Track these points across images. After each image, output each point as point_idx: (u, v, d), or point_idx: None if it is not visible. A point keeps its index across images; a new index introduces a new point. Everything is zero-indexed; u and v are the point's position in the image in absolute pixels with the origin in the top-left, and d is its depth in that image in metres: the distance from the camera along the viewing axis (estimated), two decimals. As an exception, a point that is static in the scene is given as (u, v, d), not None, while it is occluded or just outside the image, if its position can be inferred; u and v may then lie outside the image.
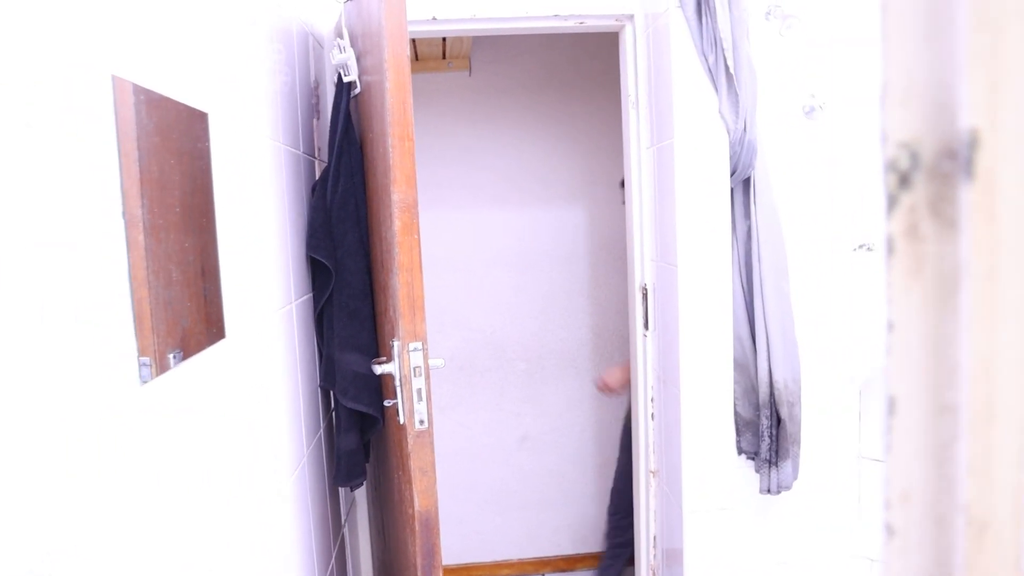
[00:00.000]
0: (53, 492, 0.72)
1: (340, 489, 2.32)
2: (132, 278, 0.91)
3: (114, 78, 0.88)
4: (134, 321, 0.92)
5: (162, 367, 1.00)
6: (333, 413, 2.23)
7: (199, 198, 1.16)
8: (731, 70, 2.14)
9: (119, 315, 0.88)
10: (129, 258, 0.91)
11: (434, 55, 3.39)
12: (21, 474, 0.68)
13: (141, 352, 0.93)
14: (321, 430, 2.08)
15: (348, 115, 1.98)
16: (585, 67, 3.49)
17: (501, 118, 3.50)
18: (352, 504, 2.53)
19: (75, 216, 0.79)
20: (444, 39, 3.15)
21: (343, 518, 2.36)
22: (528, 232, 3.50)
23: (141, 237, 0.94)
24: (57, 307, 0.74)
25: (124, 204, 0.90)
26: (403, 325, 1.57)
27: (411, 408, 1.60)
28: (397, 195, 1.55)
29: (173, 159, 1.06)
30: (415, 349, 1.58)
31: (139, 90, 0.95)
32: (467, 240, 3.48)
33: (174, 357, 1.05)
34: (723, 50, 2.13)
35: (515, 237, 3.50)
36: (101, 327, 0.84)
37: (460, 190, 3.48)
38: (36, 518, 0.70)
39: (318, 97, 2.34)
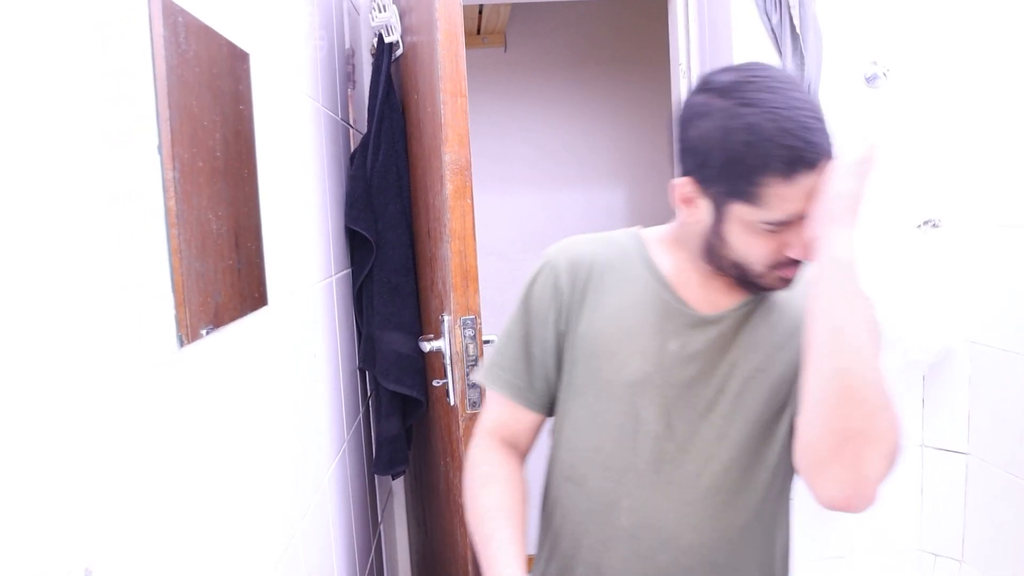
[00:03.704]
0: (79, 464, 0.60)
1: (377, 477, 2.21)
2: (169, 228, 0.79)
3: (149, -12, 0.75)
4: (171, 278, 0.79)
5: (194, 336, 0.88)
6: (371, 398, 2.11)
7: (240, 146, 1.04)
8: (797, 30, 1.99)
9: (153, 274, 0.76)
10: (166, 205, 0.79)
11: (469, 30, 3.26)
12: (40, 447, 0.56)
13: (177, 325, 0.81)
14: (360, 415, 1.96)
15: (389, 79, 1.86)
16: (626, 39, 3.35)
17: (537, 95, 3.36)
18: (389, 493, 2.41)
19: (98, 155, 0.67)
20: (480, 12, 3.02)
21: (380, 508, 2.24)
22: (566, 213, 3.36)
23: (172, 179, 0.81)
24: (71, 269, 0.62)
25: (160, 140, 0.78)
26: (455, 298, 1.44)
27: (463, 388, 1.48)
28: (449, 155, 1.43)
29: (211, 99, 0.93)
30: (468, 324, 1.46)
31: (176, 9, 0.82)
32: (502, 222, 3.35)
33: (206, 330, 0.93)
34: (788, 8, 1.98)
35: (552, 219, 3.37)
36: (131, 289, 0.72)
37: (494, 170, 3.36)
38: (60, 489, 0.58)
39: (353, 65, 2.22)
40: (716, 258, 1.02)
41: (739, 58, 2.04)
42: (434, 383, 1.66)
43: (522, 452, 1.18)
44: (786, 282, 1.01)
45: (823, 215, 0.91)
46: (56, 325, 0.58)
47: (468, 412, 1.47)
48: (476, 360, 1.47)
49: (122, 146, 0.70)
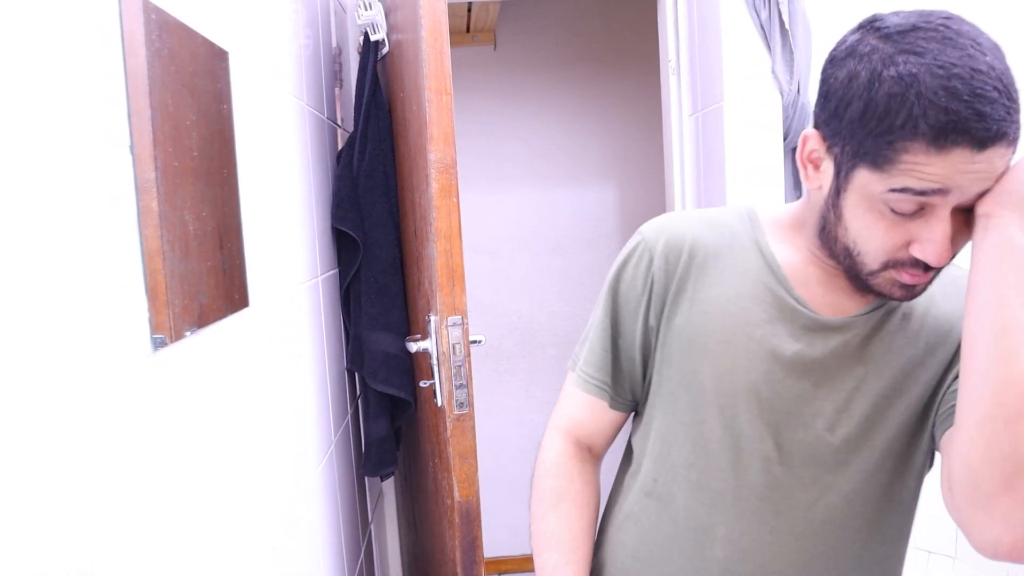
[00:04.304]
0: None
1: (366, 479, 2.19)
2: (143, 230, 0.77)
3: (119, -15, 0.74)
4: (144, 269, 0.78)
5: (177, 337, 0.86)
6: (359, 399, 2.10)
7: (220, 145, 1.03)
8: (786, 25, 1.98)
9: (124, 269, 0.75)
10: (138, 206, 0.77)
11: (458, 28, 3.24)
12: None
13: (155, 329, 0.79)
14: (348, 416, 1.94)
15: (375, 77, 1.84)
16: (617, 36, 3.33)
17: (528, 94, 3.35)
18: (380, 494, 2.40)
19: (62, 154, 0.65)
20: (469, 9, 3.01)
21: (370, 510, 2.23)
22: (556, 212, 3.35)
23: (153, 179, 0.80)
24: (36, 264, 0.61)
25: (132, 139, 0.76)
26: (441, 297, 1.43)
27: (450, 389, 1.46)
28: (434, 154, 1.41)
29: (190, 98, 0.92)
30: (454, 324, 1.44)
31: (149, 7, 0.81)
32: (493, 221, 3.33)
33: (190, 332, 0.91)
34: (777, 4, 1.97)
35: (543, 217, 3.35)
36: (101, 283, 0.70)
37: (485, 169, 3.34)
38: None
39: (340, 65, 2.20)
40: (829, 240, 0.84)
41: (728, 54, 2.03)
42: (421, 384, 1.65)
43: (598, 454, 1.07)
44: (905, 291, 0.82)
45: (1005, 195, 0.72)
46: (19, 330, 0.57)
47: (455, 413, 1.46)
48: (463, 360, 1.45)
49: (93, 146, 0.68)
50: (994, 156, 0.71)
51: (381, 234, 1.80)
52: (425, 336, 1.55)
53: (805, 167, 0.85)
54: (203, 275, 0.94)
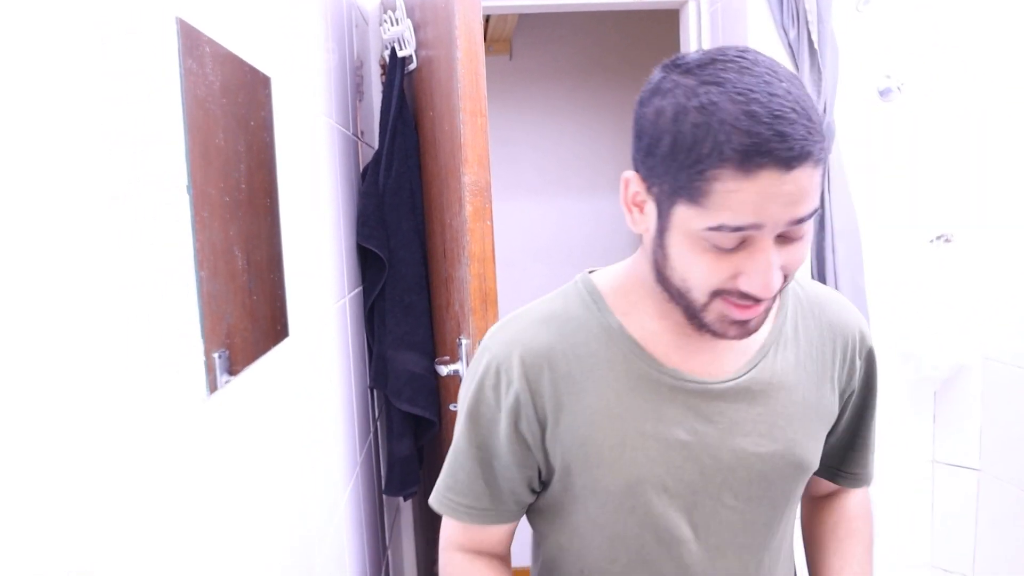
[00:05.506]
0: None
1: (384, 496, 2.17)
2: (200, 272, 0.76)
3: (179, 21, 0.72)
4: (201, 322, 0.76)
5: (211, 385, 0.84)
6: (377, 419, 2.08)
7: (262, 175, 1.01)
8: (815, 45, 1.97)
9: (181, 319, 0.73)
10: (195, 247, 0.75)
11: (474, 37, 3.22)
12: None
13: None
14: (371, 436, 1.92)
15: (402, 93, 1.82)
16: (634, 49, 3.32)
17: (543, 104, 3.33)
18: (397, 511, 2.38)
19: (127, 196, 0.63)
20: (488, 19, 2.99)
21: (388, 527, 2.21)
22: (572, 222, 3.33)
23: (207, 219, 0.78)
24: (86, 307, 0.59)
25: (189, 179, 0.74)
26: (474, 321, 1.41)
27: (481, 413, 1.44)
28: (469, 177, 1.40)
29: (237, 127, 0.90)
30: (487, 348, 1.42)
31: (204, 40, 0.79)
32: (507, 231, 3.32)
33: (226, 375, 0.89)
34: (807, 23, 1.96)
35: (557, 229, 3.34)
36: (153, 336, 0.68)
37: (499, 180, 3.32)
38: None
39: (361, 77, 2.19)
40: (663, 282, 0.81)
41: (754, 72, 2.01)
42: (451, 407, 1.63)
43: (503, 558, 0.95)
44: (738, 328, 0.79)
45: None
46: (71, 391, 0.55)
47: (486, 438, 1.44)
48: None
49: (151, 187, 0.67)
50: (801, 176, 0.69)
51: (407, 252, 1.78)
52: (455, 359, 1.53)
53: (631, 211, 0.81)
54: (251, 312, 0.92)
